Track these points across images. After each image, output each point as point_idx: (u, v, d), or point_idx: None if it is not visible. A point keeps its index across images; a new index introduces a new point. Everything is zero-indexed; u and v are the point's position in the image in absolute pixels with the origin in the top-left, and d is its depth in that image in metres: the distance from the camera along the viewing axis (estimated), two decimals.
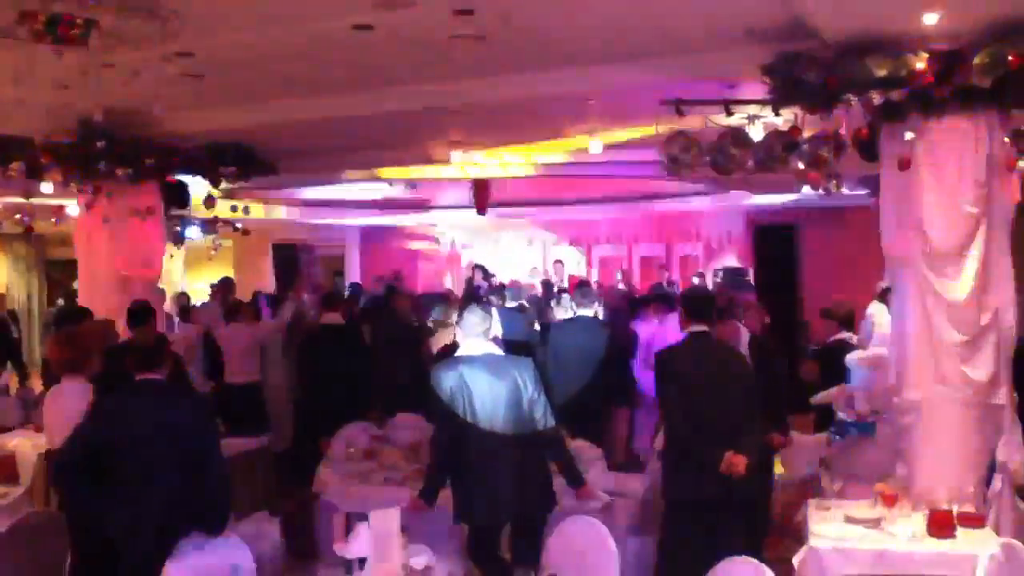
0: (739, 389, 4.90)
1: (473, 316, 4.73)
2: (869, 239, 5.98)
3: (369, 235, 16.97)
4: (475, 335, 4.70)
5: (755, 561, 3.74)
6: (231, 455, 6.70)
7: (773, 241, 13.92)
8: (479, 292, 12.24)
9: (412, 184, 12.38)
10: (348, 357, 7.18)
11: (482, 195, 13.10)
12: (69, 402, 4.57)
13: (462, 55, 5.01)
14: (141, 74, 5.54)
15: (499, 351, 4.79)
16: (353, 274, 16.56)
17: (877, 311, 7.21)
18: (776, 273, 13.11)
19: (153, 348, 4.22)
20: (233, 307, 8.64)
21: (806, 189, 12.23)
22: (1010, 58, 4.33)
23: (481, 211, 13.16)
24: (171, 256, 13.97)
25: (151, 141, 7.15)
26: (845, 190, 12.02)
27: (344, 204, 14.67)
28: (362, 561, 3.51)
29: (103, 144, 6.94)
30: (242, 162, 7.81)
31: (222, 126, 6.80)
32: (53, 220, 8.18)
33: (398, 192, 13.45)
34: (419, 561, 3.50)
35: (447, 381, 4.57)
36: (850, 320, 7.11)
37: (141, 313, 5.80)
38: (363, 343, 7.63)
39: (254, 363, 8.17)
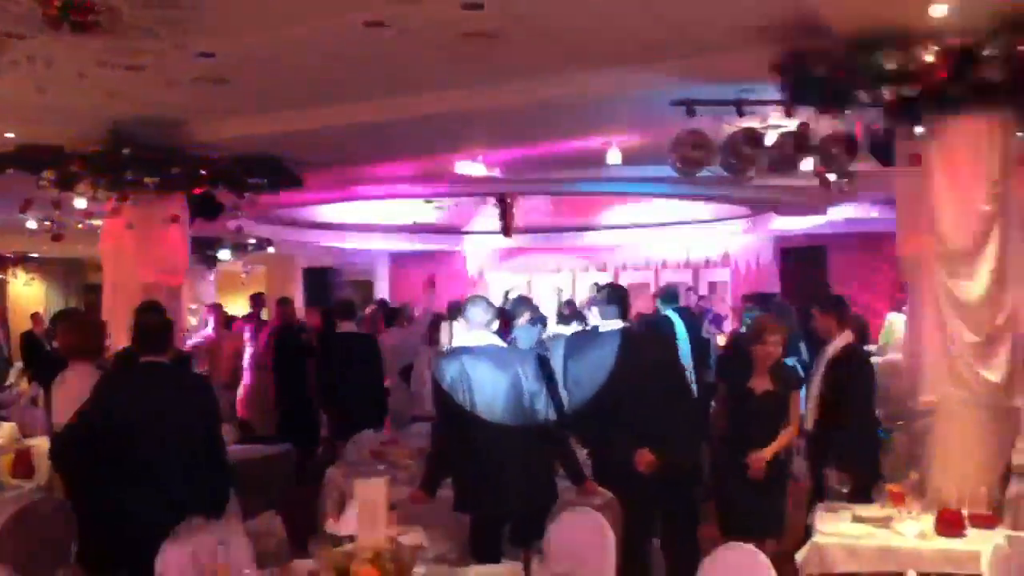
0: (665, 382, 5.08)
1: (476, 308, 4.74)
2: (896, 261, 5.93)
3: (398, 260, 17.10)
4: (478, 326, 4.71)
5: (750, 547, 3.69)
6: (254, 459, 6.81)
7: (801, 264, 13.82)
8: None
9: (441, 206, 12.50)
10: (363, 365, 7.23)
11: (509, 218, 13.22)
12: (75, 386, 4.62)
13: (473, 54, 5.07)
14: (166, 78, 5.71)
15: (502, 343, 4.79)
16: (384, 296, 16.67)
17: (894, 319, 7.13)
18: (805, 296, 12.98)
19: (158, 331, 4.27)
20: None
21: (833, 212, 12.24)
22: (1020, 49, 4.29)
23: (507, 234, 13.25)
24: (202, 278, 14.33)
25: (178, 150, 7.29)
26: (875, 213, 12.01)
27: (374, 228, 14.82)
28: (352, 538, 3.51)
29: (129, 152, 7.09)
30: (269, 174, 7.93)
31: (245, 133, 6.90)
32: (78, 224, 8.31)
33: (427, 216, 13.59)
34: (409, 539, 3.48)
35: (449, 371, 4.58)
36: (864, 332, 7.08)
37: (152, 307, 5.86)
38: (378, 352, 7.67)
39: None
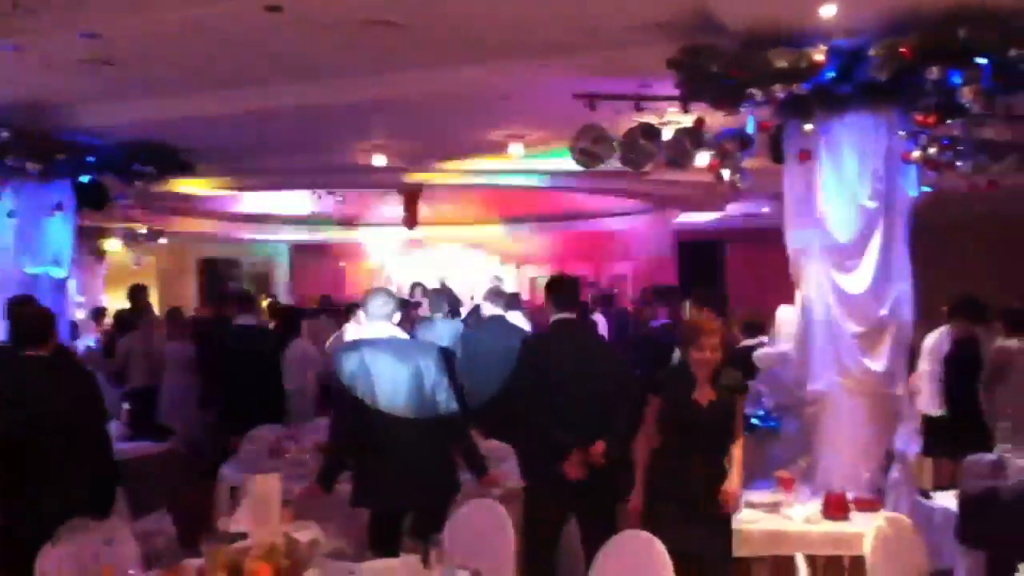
0: (604, 378, 4.90)
1: (377, 299, 4.68)
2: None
3: (299, 251, 16.80)
4: (378, 318, 4.65)
5: (646, 534, 3.75)
6: (138, 457, 6.59)
7: (699, 258, 14.18)
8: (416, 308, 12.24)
9: (340, 198, 12.32)
10: (260, 359, 7.06)
11: (412, 211, 13.13)
12: None
13: (374, 43, 4.99)
14: (47, 60, 5.45)
15: (403, 335, 4.75)
16: (282, 290, 16.37)
17: (785, 311, 7.34)
18: (703, 287, 13.35)
19: (37, 322, 4.08)
20: None
21: (730, 208, 12.59)
22: (902, 51, 4.47)
23: (411, 226, 13.17)
24: (90, 270, 13.78)
25: (62, 136, 6.98)
26: (766, 209, 12.38)
27: (272, 219, 14.52)
28: (245, 535, 3.42)
29: (9, 136, 6.76)
30: (159, 161, 7.67)
31: (134, 119, 6.65)
32: None
33: (326, 207, 13.37)
34: (304, 534, 3.41)
35: (348, 364, 4.50)
36: (759, 327, 7.27)
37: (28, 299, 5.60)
38: (275, 346, 7.49)
39: None
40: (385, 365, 4.53)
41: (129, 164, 7.51)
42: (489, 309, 7.49)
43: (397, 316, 4.78)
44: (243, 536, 3.44)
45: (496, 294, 7.60)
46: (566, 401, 4.85)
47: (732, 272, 14.20)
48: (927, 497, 5.31)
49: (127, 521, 4.88)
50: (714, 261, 14.35)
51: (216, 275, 15.90)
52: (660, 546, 3.70)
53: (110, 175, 7.74)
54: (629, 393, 4.87)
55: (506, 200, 14.35)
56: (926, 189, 6.11)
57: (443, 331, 7.60)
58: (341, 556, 3.90)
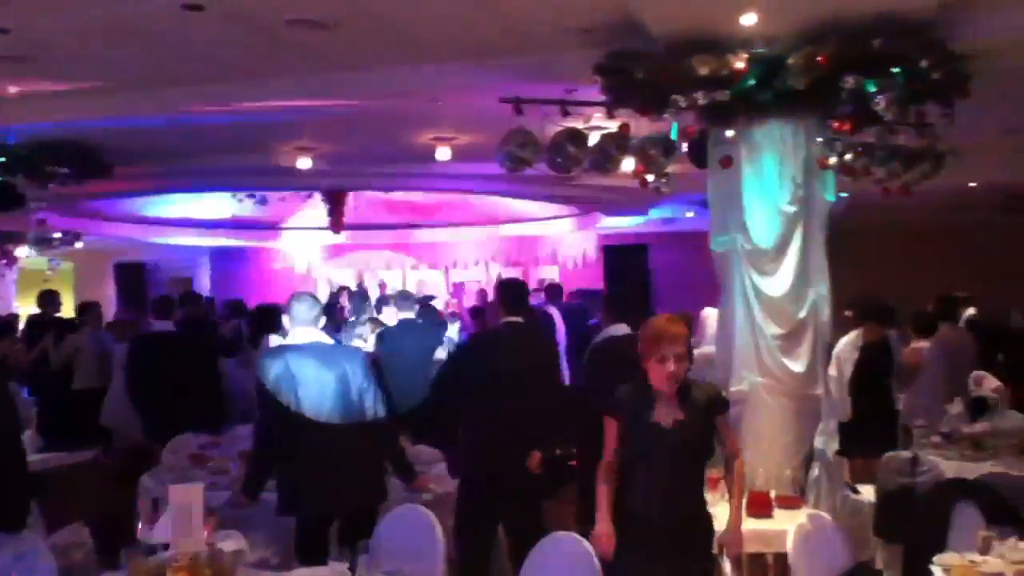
0: (545, 380, 4.99)
1: (302, 304, 4.61)
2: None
3: (220, 256, 16.46)
4: (303, 323, 4.59)
5: (577, 536, 3.77)
6: (59, 467, 6.38)
7: (625, 262, 14.37)
8: (342, 313, 12.08)
9: (262, 199, 12.12)
10: (181, 365, 6.90)
11: (338, 214, 13.01)
12: None
13: (298, 43, 4.92)
14: None
15: (328, 340, 4.69)
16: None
17: (709, 313, 7.49)
18: (629, 291, 13.53)
19: None
20: None
21: (653, 212, 12.79)
22: (819, 59, 4.59)
23: (336, 230, 13.03)
24: (1, 276, 13.29)
25: None
26: (690, 213, 12.61)
27: (192, 224, 14.19)
28: (167, 546, 3.34)
29: None
30: (75, 162, 7.44)
31: (48, 118, 6.42)
32: None
33: (248, 211, 13.14)
34: (228, 544, 3.34)
35: (272, 370, 4.43)
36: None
37: None
38: (197, 351, 7.32)
39: None
40: (310, 371, 4.47)
41: (43, 165, 7.26)
42: (400, 312, 7.50)
43: (322, 321, 4.73)
44: (165, 547, 3.37)
45: (404, 297, 7.62)
46: (509, 403, 4.89)
47: (657, 276, 14.43)
48: (856, 492, 5.47)
49: (42, 534, 4.71)
50: (639, 265, 14.55)
51: (135, 281, 15.48)
52: (588, 547, 3.73)
53: (22, 176, 7.48)
54: (566, 399, 4.96)
55: (433, 204, 14.32)
56: (844, 195, 6.33)
57: (367, 335, 7.58)
58: (266, 566, 3.84)
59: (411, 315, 7.39)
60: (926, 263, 12.30)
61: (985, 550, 3.69)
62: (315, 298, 4.73)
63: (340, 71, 5.68)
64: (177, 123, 6.71)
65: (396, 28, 4.90)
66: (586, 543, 3.73)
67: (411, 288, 15.25)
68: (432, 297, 12.27)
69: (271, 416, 4.46)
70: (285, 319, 4.66)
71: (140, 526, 3.54)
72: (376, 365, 6.23)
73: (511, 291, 5.21)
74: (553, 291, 10.42)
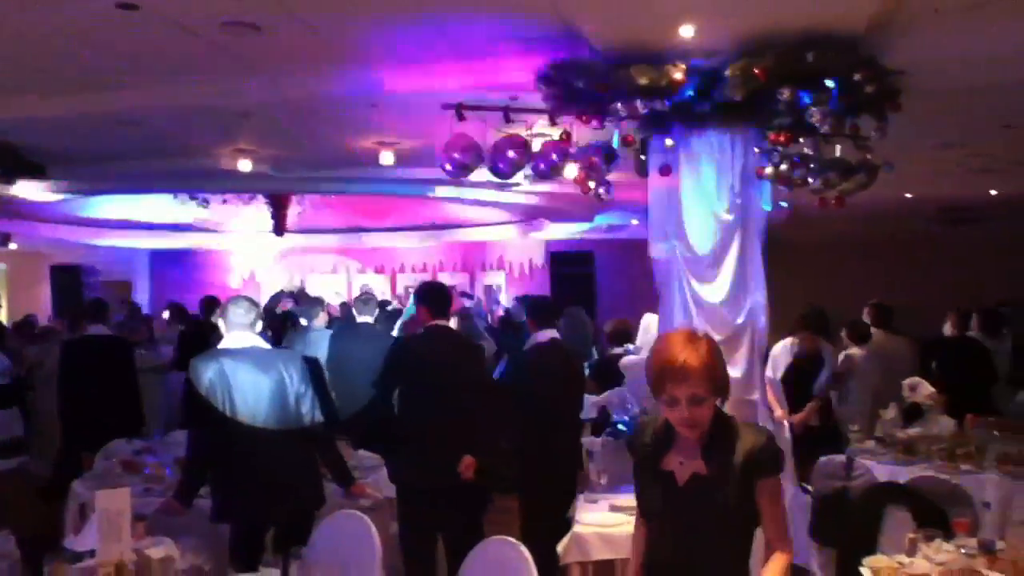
0: (472, 384, 5.04)
1: (237, 308, 4.55)
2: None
3: (159, 260, 16.14)
4: (239, 327, 4.52)
5: (513, 540, 3.76)
6: None
7: (570, 269, 14.47)
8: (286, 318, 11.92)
9: (204, 201, 11.93)
10: (113, 370, 6.76)
11: (281, 217, 12.88)
12: None
13: (233, 45, 4.85)
14: None
15: (265, 344, 4.63)
16: (141, 300, 15.68)
17: (651, 319, 7.59)
18: (574, 297, 13.62)
19: None
20: None
21: (599, 219, 12.88)
22: (756, 72, 4.67)
23: (279, 233, 12.91)
24: None
25: None
26: (635, 221, 12.72)
27: (130, 225, 13.90)
28: (94, 554, 3.26)
29: None
30: (5, 162, 7.26)
31: None
32: None
33: (188, 213, 12.92)
34: (156, 552, 3.28)
35: (205, 374, 4.35)
36: (625, 335, 7.48)
37: None
38: (130, 356, 7.19)
39: None
40: (245, 375, 4.41)
41: None
42: (359, 316, 7.43)
43: (259, 325, 4.67)
44: (92, 554, 3.29)
45: (365, 302, 7.54)
46: (439, 406, 4.89)
47: (602, 283, 14.55)
48: (807, 492, 5.59)
49: None
50: (585, 272, 14.67)
51: (71, 284, 15.12)
52: (525, 552, 3.72)
53: None
54: (498, 401, 4.95)
55: (379, 208, 14.24)
56: (783, 205, 6.45)
57: (322, 342, 7.48)
58: (199, 573, 3.77)
59: (370, 319, 7.33)
60: (863, 273, 12.60)
61: (912, 552, 3.77)
62: (251, 301, 4.67)
63: (275, 74, 5.62)
64: (112, 123, 6.56)
65: (328, 33, 4.87)
66: (522, 548, 3.74)
67: (355, 292, 15.20)
68: (389, 302, 12.20)
69: (205, 421, 4.39)
70: (220, 323, 4.59)
71: (67, 534, 3.45)
72: (317, 369, 6.19)
73: (435, 295, 5.25)
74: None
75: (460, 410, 4.95)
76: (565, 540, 4.47)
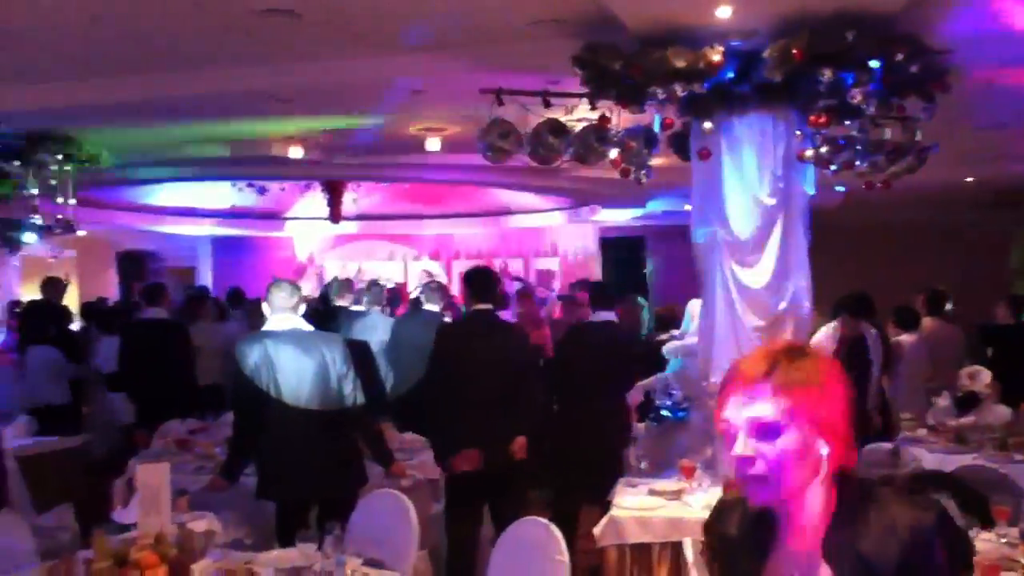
0: (515, 367, 5.09)
1: (280, 292, 4.67)
2: None
3: (221, 246, 16.52)
4: (282, 310, 4.65)
5: (544, 521, 3.82)
6: (48, 453, 6.47)
7: (622, 254, 14.43)
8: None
9: (261, 190, 12.18)
10: (168, 352, 6.98)
11: (336, 204, 13.08)
12: None
13: (271, 32, 4.94)
14: None
15: (307, 327, 4.75)
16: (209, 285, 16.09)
17: (695, 305, 7.53)
18: (627, 283, 13.59)
19: None
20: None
21: (651, 205, 12.79)
22: (794, 52, 4.61)
23: (335, 220, 13.11)
24: (4, 264, 13.38)
25: None
26: (688, 207, 12.59)
27: (193, 213, 14.27)
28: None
29: None
30: (64, 150, 7.51)
31: (32, 107, 6.44)
32: None
33: (249, 201, 13.21)
34: (199, 525, 3.41)
35: (250, 356, 4.49)
36: (671, 321, 7.45)
37: None
38: (187, 339, 7.40)
39: None
40: (289, 357, 4.54)
41: (33, 153, 7.33)
42: (425, 303, 7.54)
43: (302, 308, 4.80)
44: (135, 526, 3.43)
45: (433, 289, 7.65)
46: (478, 390, 4.97)
47: (654, 267, 14.49)
48: None
49: (21, 515, 4.80)
50: (636, 257, 14.61)
51: (137, 269, 15.57)
52: (556, 531, 3.77)
53: (18, 165, 7.56)
54: (530, 386, 5.06)
55: (434, 195, 14.37)
56: (840, 189, 6.36)
57: (379, 325, 7.61)
58: (240, 547, 3.90)
59: (435, 307, 7.44)
60: (913, 259, 12.34)
61: None
62: (294, 285, 4.79)
63: (316, 61, 5.71)
64: (164, 110, 6.73)
65: (366, 19, 4.93)
66: (553, 527, 3.79)
67: (414, 279, 15.36)
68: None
69: (250, 402, 4.53)
70: (264, 306, 4.72)
71: (115, 507, 3.61)
72: (365, 352, 6.31)
73: (477, 279, 5.32)
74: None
75: (501, 393, 5.01)
76: (602, 523, 4.51)
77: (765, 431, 1.63)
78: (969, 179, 10.40)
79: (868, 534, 1.60)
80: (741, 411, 1.65)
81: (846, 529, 1.63)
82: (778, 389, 1.63)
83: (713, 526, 1.86)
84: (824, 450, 1.64)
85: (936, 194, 10.32)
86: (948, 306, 7.75)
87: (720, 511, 1.86)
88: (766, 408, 1.62)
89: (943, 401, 6.59)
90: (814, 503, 1.66)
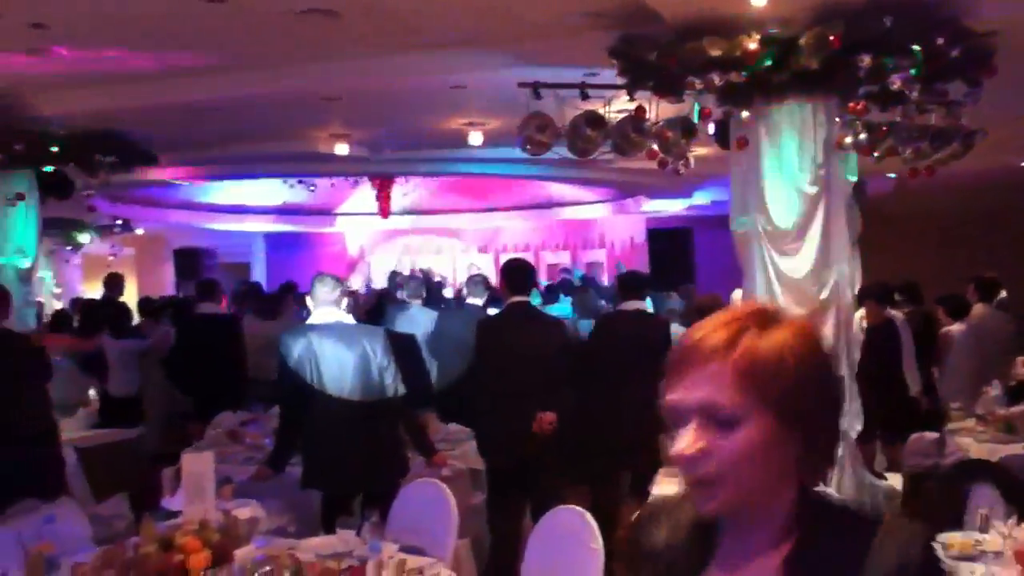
0: (553, 355, 5.15)
1: (323, 286, 4.78)
2: None
3: (274, 242, 16.83)
4: (325, 304, 4.75)
5: (579, 509, 3.86)
6: (106, 443, 6.70)
7: (670, 244, 14.37)
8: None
9: (311, 186, 12.39)
10: (221, 346, 7.16)
11: (385, 199, 13.23)
12: None
13: (311, 33, 5.05)
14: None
15: (350, 319, 4.85)
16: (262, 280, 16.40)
17: (738, 295, 7.48)
18: (674, 273, 13.52)
19: None
20: None
21: (697, 195, 12.72)
22: (831, 39, 4.57)
23: (384, 215, 13.27)
24: (67, 262, 13.82)
25: (18, 125, 7.00)
26: None
27: (246, 210, 14.56)
28: None
29: None
30: (120, 151, 7.71)
31: (89, 109, 6.66)
32: None
33: (300, 197, 13.43)
34: (243, 512, 3.52)
35: (295, 348, 4.61)
36: (710, 311, 7.41)
37: None
38: (239, 334, 7.58)
39: None
40: (331, 349, 4.64)
41: (91, 154, 7.54)
42: (469, 297, 7.65)
43: (344, 302, 4.90)
44: (182, 513, 3.56)
45: (477, 283, 7.72)
46: (513, 381, 5.04)
47: (701, 258, 14.40)
48: (882, 478, 5.46)
49: (87, 504, 4.99)
50: (684, 248, 14.54)
51: (193, 266, 15.95)
52: (591, 520, 3.81)
53: (74, 165, 7.78)
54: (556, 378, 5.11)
55: (481, 188, 14.46)
56: (891, 176, 6.26)
57: (420, 318, 7.70)
58: (283, 534, 4.02)
59: (479, 301, 7.52)
60: (962, 248, 12.08)
61: (984, 528, 3.69)
62: (336, 279, 4.90)
63: (356, 59, 5.80)
64: (212, 111, 6.90)
65: (404, 17, 5.00)
66: (588, 516, 3.83)
67: (462, 272, 15.47)
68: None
69: (295, 393, 4.65)
70: (308, 300, 4.83)
71: (165, 495, 3.74)
72: (410, 345, 6.41)
73: (516, 273, 5.38)
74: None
75: (538, 385, 5.06)
76: (638, 513, 4.52)
77: (721, 421, 1.23)
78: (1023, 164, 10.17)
79: (844, 567, 1.23)
80: (692, 393, 1.25)
81: (813, 556, 1.24)
82: (741, 366, 1.23)
83: (634, 537, 1.49)
84: (795, 449, 1.24)
85: (987, 180, 10.08)
86: (1002, 294, 7.58)
87: (647, 517, 1.49)
88: (723, 391, 1.23)
89: (993, 390, 6.47)
90: (774, 517, 1.27)
